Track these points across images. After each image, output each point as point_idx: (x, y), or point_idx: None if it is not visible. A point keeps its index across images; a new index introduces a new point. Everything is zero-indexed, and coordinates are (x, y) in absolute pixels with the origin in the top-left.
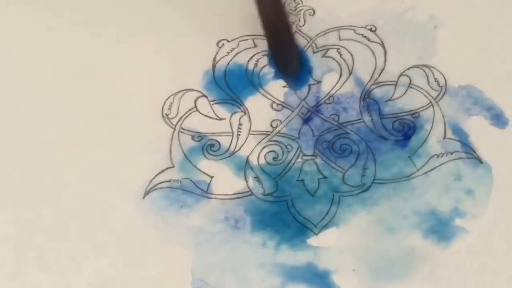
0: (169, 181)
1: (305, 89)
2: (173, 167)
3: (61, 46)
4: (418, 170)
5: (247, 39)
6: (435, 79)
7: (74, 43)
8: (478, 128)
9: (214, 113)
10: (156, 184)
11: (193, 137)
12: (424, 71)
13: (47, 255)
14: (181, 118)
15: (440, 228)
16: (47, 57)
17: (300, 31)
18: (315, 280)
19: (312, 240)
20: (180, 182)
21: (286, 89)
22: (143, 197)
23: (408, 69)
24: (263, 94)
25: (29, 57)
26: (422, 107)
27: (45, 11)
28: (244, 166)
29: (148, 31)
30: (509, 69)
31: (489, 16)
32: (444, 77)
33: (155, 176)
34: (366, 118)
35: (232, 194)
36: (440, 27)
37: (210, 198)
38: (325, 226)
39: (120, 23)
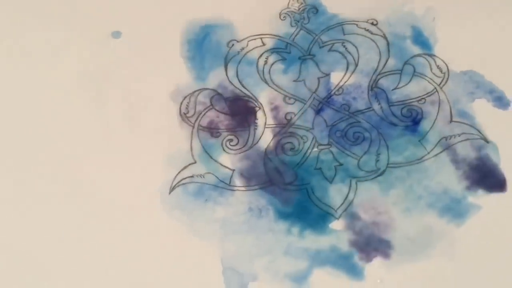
0: (192, 176)
1: (315, 82)
2: (195, 163)
3: (82, 50)
4: (428, 153)
5: (255, 39)
6: (437, 66)
7: (96, 47)
8: (482, 110)
9: (230, 109)
10: (180, 180)
11: (211, 134)
12: (427, 59)
13: (81, 253)
14: (198, 116)
15: (454, 205)
16: (67, 59)
17: (305, 28)
18: (340, 262)
19: (334, 224)
20: (203, 177)
21: (296, 83)
22: (169, 193)
23: (411, 58)
24: (275, 89)
25: (50, 60)
26: (428, 93)
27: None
28: (263, 158)
29: (164, 35)
30: (507, 53)
31: (483, 5)
32: (446, 64)
33: (179, 172)
34: (376, 106)
35: (254, 185)
36: (438, 17)
37: (234, 190)
38: (345, 210)
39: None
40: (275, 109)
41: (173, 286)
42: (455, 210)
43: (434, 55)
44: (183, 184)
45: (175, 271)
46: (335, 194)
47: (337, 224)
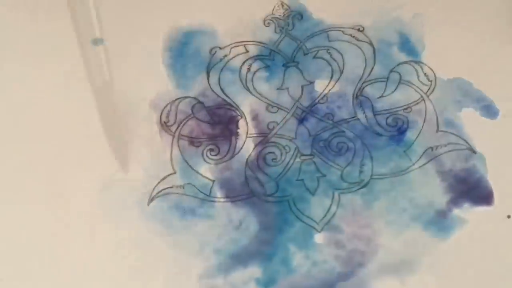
0: (172, 187)
1: (299, 90)
2: (175, 173)
3: (68, 56)
4: (414, 164)
5: (238, 46)
6: (425, 74)
7: (81, 52)
8: (470, 119)
9: (212, 118)
10: (160, 191)
11: (192, 143)
12: (414, 66)
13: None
14: (179, 125)
15: (439, 219)
16: (54, 65)
17: (289, 35)
18: (324, 277)
19: (316, 238)
20: (183, 188)
21: (279, 91)
22: (148, 204)
23: (398, 65)
24: (258, 98)
25: (36, 67)
26: (414, 101)
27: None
28: (244, 169)
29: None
30: (495, 61)
31: (471, 11)
32: (433, 72)
33: (158, 183)
34: (360, 115)
35: (234, 197)
36: (426, 23)
37: (214, 201)
38: (327, 223)
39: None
40: (257, 118)
41: None
42: (440, 224)
43: (422, 63)
44: (163, 195)
45: (154, 284)
46: (317, 206)
47: (319, 237)
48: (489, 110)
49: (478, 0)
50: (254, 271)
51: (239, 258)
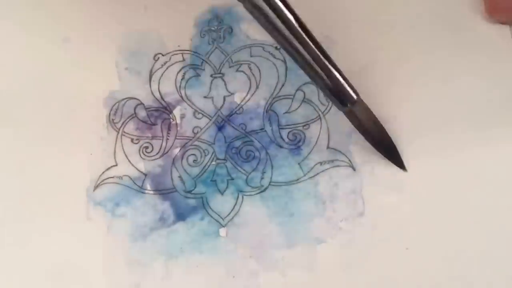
0: (113, 177)
1: (221, 100)
2: (117, 165)
3: (35, 52)
4: (304, 175)
5: (177, 53)
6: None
7: (47, 50)
8: (355, 139)
9: (149, 119)
10: (104, 180)
11: (132, 140)
12: (316, 87)
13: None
14: (123, 123)
15: (315, 229)
16: (21, 59)
17: (220, 47)
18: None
19: (221, 231)
20: (122, 179)
21: (205, 99)
22: (93, 190)
23: (304, 84)
24: (188, 104)
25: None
26: (312, 119)
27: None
28: (170, 167)
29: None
30: (389, 89)
31: (376, 39)
32: None
33: (103, 172)
34: (268, 128)
35: (161, 190)
36: (332, 47)
37: (144, 193)
38: (231, 220)
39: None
40: (186, 122)
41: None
42: (317, 233)
43: None
44: (106, 183)
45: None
46: (225, 204)
47: (223, 231)
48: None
49: (383, 30)
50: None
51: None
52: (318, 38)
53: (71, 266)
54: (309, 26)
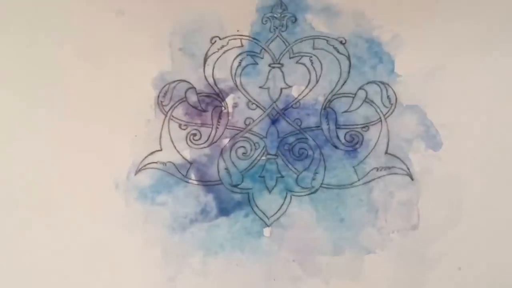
0: (156, 162)
1: (278, 92)
2: (161, 150)
3: (85, 23)
4: (359, 180)
5: (236, 38)
6: (388, 96)
7: (99, 22)
8: (416, 147)
9: (200, 105)
10: (146, 164)
11: (180, 125)
12: (380, 87)
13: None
14: (172, 106)
15: (365, 238)
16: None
17: (281, 36)
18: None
19: (265, 231)
20: (165, 165)
21: (261, 90)
22: (135, 175)
23: (367, 83)
24: (242, 93)
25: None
26: (373, 121)
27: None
28: (218, 158)
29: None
30: (457, 96)
31: (447, 41)
32: (395, 95)
33: (146, 156)
34: (324, 126)
35: (205, 181)
36: (402, 45)
37: (188, 182)
38: (277, 220)
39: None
40: (238, 112)
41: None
42: (366, 242)
43: (387, 84)
44: (149, 168)
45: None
46: (272, 203)
47: (267, 231)
48: (433, 141)
49: (459, 29)
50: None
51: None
52: (386, 35)
53: (107, 253)
54: (377, 22)
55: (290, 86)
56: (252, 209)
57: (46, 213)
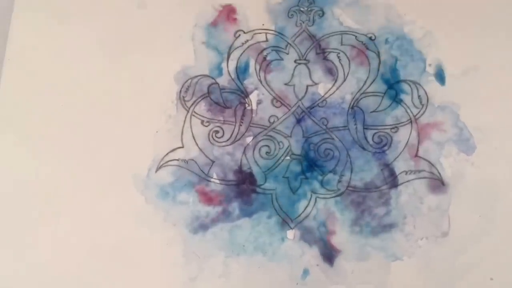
0: (178, 160)
1: (303, 89)
2: (183, 147)
3: (108, 16)
4: (386, 183)
5: (261, 33)
6: (419, 96)
7: (121, 15)
8: (448, 150)
9: (223, 101)
10: (167, 161)
11: (202, 122)
12: (410, 86)
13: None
14: (194, 102)
15: (393, 244)
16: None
17: (308, 30)
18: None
19: (289, 233)
20: (187, 163)
21: (286, 87)
22: (156, 172)
23: (397, 82)
24: (267, 89)
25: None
26: (402, 122)
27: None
28: (241, 156)
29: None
30: (492, 97)
31: (481, 40)
32: (427, 95)
33: (167, 153)
34: (351, 126)
35: (228, 180)
36: (432, 44)
37: (209, 181)
38: (301, 222)
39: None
40: (262, 109)
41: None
42: (393, 249)
43: (418, 84)
44: (170, 165)
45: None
46: (296, 205)
47: (290, 233)
48: (467, 145)
49: (493, 28)
50: (233, 249)
51: (221, 240)
52: (418, 32)
53: (126, 251)
54: (409, 17)
55: (316, 84)
56: (276, 210)
57: (66, 210)
